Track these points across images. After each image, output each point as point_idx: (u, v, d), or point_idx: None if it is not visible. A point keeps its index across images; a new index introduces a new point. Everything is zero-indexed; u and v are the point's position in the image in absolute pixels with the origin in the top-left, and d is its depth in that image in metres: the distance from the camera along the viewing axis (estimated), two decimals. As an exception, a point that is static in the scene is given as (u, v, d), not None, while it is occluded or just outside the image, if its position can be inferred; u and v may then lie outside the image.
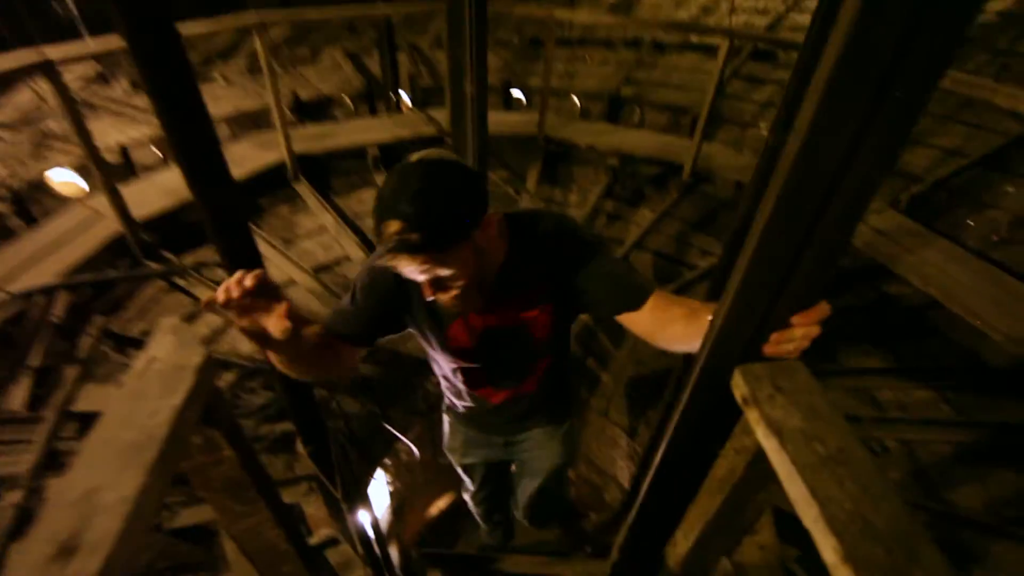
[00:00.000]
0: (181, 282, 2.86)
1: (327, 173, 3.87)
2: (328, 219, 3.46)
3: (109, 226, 2.84)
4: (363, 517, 1.84)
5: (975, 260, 2.53)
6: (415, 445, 2.86)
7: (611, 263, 1.06)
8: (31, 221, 3.17)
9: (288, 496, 1.87)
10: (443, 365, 1.29)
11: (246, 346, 2.57)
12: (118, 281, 2.75)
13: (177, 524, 1.78)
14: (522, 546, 2.09)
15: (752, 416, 0.87)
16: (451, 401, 1.48)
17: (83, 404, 2.09)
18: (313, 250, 3.31)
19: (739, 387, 0.92)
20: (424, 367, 3.54)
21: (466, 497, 1.99)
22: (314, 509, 1.81)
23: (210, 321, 2.71)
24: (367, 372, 2.62)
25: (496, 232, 1.00)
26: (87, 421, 2.01)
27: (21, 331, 2.24)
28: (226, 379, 2.27)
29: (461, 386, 1.33)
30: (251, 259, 1.44)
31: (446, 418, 1.67)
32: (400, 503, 2.93)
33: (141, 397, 0.84)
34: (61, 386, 2.07)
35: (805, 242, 0.72)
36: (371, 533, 1.82)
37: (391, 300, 1.09)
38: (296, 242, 3.33)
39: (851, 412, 2.26)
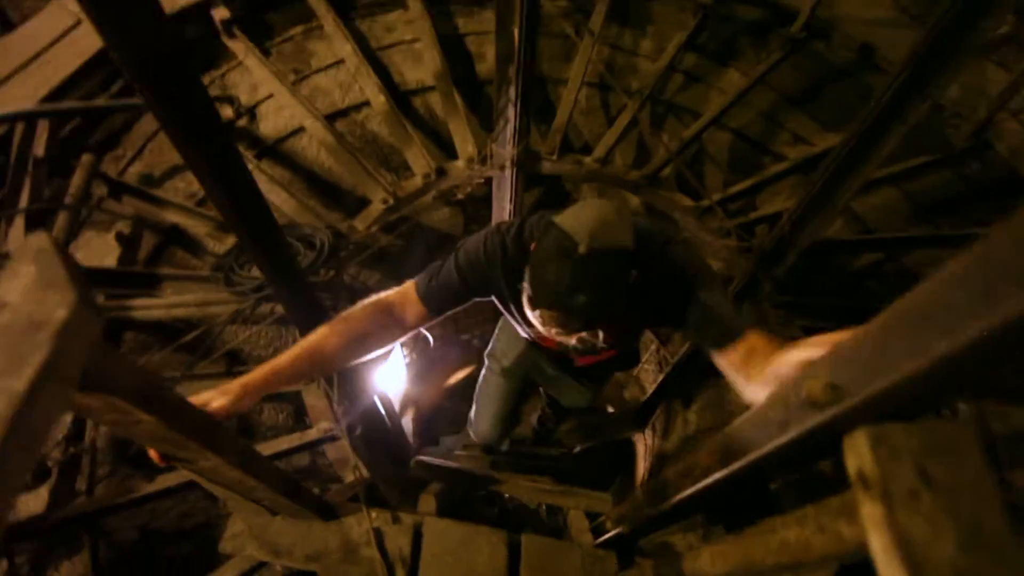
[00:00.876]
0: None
1: (348, -18, 3.15)
2: (347, 50, 2.89)
3: (94, 40, 2.43)
4: (363, 413, 1.75)
5: None
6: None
7: (714, 307, 1.03)
8: (7, 26, 2.75)
9: (289, 382, 1.79)
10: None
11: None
12: (110, 111, 2.42)
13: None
14: (528, 458, 2.03)
15: (872, 513, 0.57)
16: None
17: (81, 256, 1.96)
18: (329, 89, 2.83)
19: (859, 457, 0.61)
20: (444, 241, 3.27)
21: (470, 429, 2.01)
22: (315, 399, 1.72)
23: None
24: (384, 244, 2.38)
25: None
26: (87, 277, 1.88)
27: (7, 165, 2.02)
28: (226, 243, 2.07)
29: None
30: (208, 127, 1.04)
31: (504, 326, 1.75)
32: (417, 373, 2.95)
33: (-29, 371, 0.55)
34: (54, 235, 1.91)
35: None
36: (370, 429, 1.74)
37: (493, 291, 1.13)
38: (310, 77, 2.84)
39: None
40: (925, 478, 0.57)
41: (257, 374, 0.96)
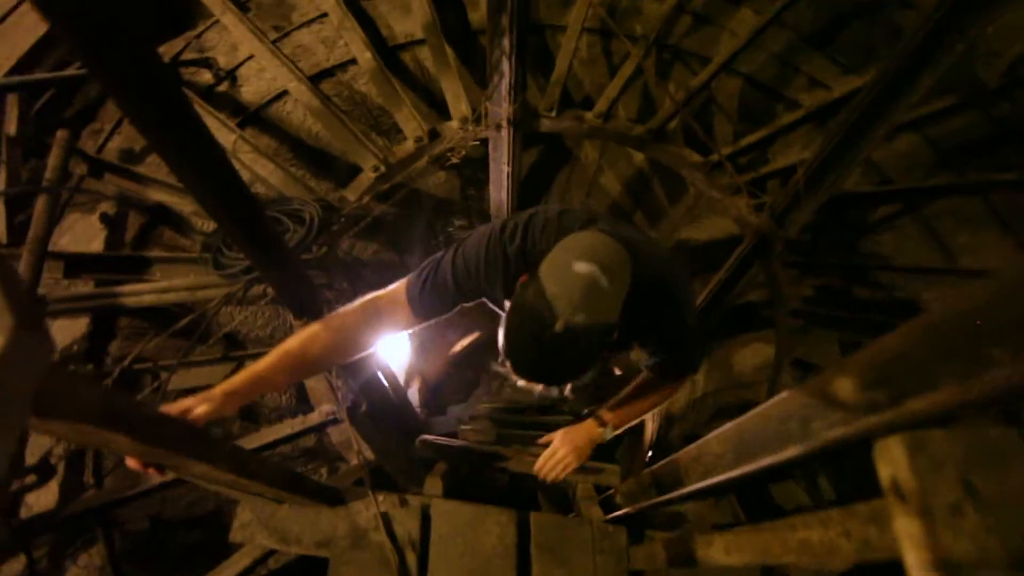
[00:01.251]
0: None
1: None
2: (330, 1, 2.70)
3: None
4: (366, 390, 1.72)
5: None
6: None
7: (683, 344, 1.13)
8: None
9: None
10: None
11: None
12: (85, 81, 2.29)
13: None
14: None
15: (908, 528, 0.53)
16: None
17: (67, 241, 1.89)
18: (312, 46, 2.66)
19: (893, 465, 0.56)
20: (444, 207, 3.16)
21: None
22: (315, 381, 1.69)
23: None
24: (377, 214, 2.29)
25: None
26: (74, 263, 1.82)
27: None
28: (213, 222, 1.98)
29: None
30: (167, 100, 0.91)
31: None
32: (421, 343, 2.92)
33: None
34: (35, 220, 1.84)
35: None
36: (374, 405, 1.72)
37: (489, 299, 1.09)
38: (292, 35, 2.66)
39: None
40: (970, 491, 0.51)
41: (239, 380, 0.93)
